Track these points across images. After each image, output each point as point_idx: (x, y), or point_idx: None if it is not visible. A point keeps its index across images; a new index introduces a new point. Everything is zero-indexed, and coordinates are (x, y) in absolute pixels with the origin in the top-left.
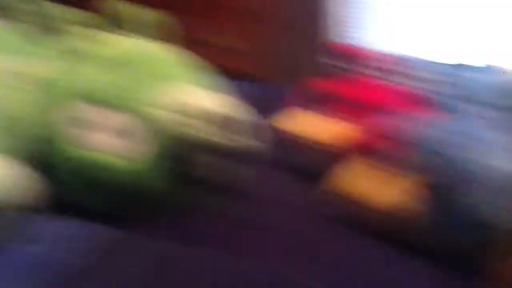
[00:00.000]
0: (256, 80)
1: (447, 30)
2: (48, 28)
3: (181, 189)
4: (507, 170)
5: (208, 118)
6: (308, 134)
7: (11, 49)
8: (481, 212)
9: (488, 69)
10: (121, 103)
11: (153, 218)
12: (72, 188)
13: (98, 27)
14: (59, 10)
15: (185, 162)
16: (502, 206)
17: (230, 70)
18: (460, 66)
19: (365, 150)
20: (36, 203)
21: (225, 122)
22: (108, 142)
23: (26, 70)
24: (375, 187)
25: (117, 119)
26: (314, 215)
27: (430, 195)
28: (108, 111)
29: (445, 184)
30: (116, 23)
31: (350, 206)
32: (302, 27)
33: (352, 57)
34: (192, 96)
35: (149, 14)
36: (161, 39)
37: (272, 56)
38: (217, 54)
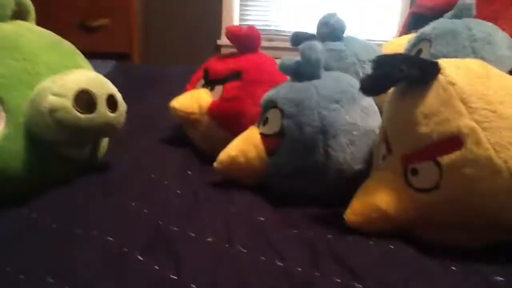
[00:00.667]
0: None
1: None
2: None
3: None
4: (361, 125)
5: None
6: (184, 107)
7: None
8: (335, 161)
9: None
10: None
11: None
12: None
13: None
14: None
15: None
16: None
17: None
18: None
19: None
20: None
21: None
22: None
23: None
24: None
25: None
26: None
27: (282, 147)
28: None
29: (300, 137)
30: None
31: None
32: (202, 14)
33: (246, 38)
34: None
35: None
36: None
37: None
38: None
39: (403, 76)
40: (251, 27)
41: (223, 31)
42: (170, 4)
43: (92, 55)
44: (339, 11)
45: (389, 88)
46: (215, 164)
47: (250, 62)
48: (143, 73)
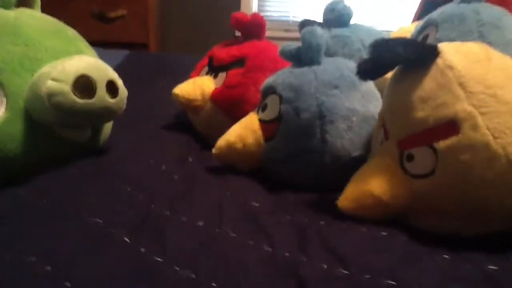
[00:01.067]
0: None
1: None
2: None
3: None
4: (360, 111)
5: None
6: (186, 94)
7: None
8: (332, 146)
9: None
10: None
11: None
12: None
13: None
14: None
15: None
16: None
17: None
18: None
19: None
20: None
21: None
22: None
23: None
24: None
25: None
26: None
27: (279, 132)
28: None
29: (297, 122)
30: None
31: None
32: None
33: (250, 25)
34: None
35: None
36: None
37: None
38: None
39: (400, 60)
40: (255, 14)
41: None
42: None
43: (109, 45)
44: (360, 2)
45: (385, 72)
46: (213, 150)
47: (254, 49)
48: (156, 61)
